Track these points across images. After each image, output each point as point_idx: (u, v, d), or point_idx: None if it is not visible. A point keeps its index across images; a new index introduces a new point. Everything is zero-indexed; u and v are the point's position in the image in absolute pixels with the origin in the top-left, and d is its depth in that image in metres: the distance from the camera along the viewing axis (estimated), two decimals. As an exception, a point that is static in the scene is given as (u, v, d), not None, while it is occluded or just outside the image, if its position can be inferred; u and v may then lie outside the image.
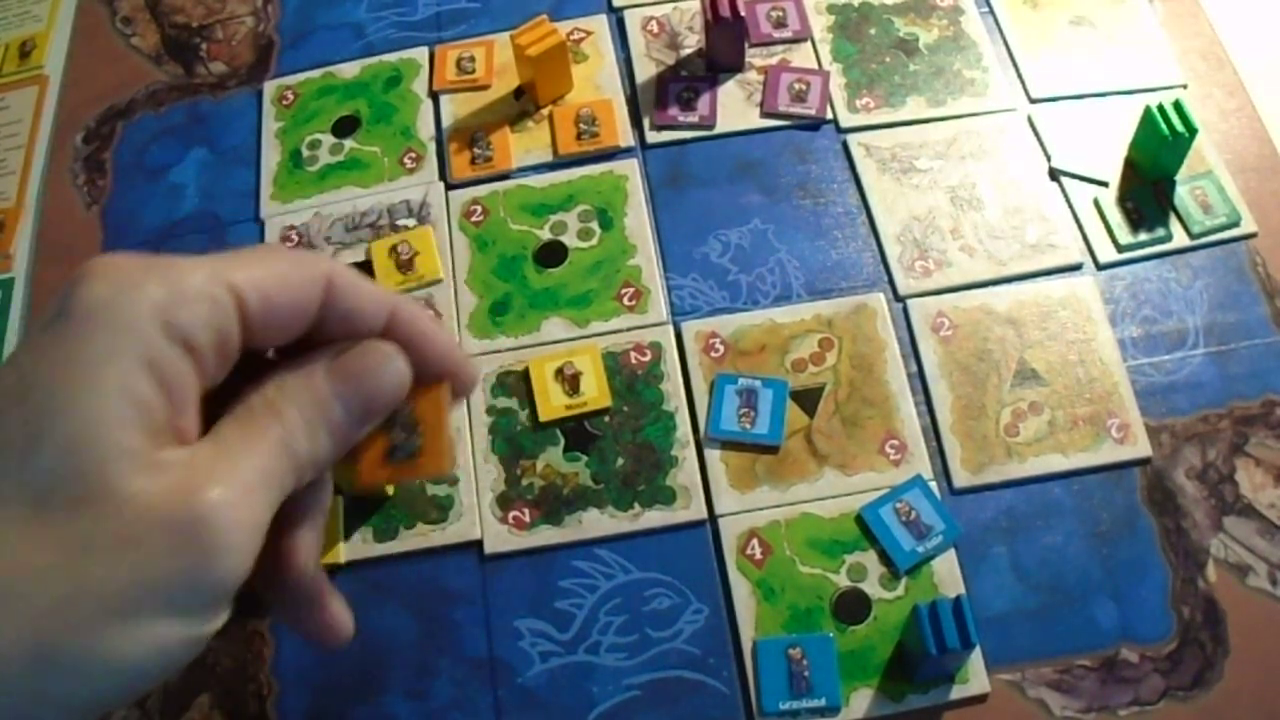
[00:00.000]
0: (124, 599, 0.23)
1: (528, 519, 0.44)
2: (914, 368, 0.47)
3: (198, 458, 0.24)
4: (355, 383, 0.27)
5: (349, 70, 0.57)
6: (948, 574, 0.43)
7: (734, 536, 0.43)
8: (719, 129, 0.53)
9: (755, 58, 0.56)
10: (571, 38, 0.56)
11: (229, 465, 0.25)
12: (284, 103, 0.56)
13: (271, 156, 0.54)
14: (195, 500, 0.24)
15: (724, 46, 0.54)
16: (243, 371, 0.26)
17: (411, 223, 0.52)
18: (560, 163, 0.53)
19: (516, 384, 0.47)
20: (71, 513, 0.23)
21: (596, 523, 0.44)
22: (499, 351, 0.48)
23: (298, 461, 0.26)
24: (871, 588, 0.42)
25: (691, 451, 0.45)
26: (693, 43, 0.56)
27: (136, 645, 0.24)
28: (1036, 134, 0.53)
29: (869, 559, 0.43)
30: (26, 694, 0.22)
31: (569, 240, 0.51)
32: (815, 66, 0.55)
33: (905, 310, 0.48)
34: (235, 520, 0.24)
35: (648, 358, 0.47)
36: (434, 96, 0.56)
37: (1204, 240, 0.50)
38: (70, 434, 0.23)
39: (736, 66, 0.55)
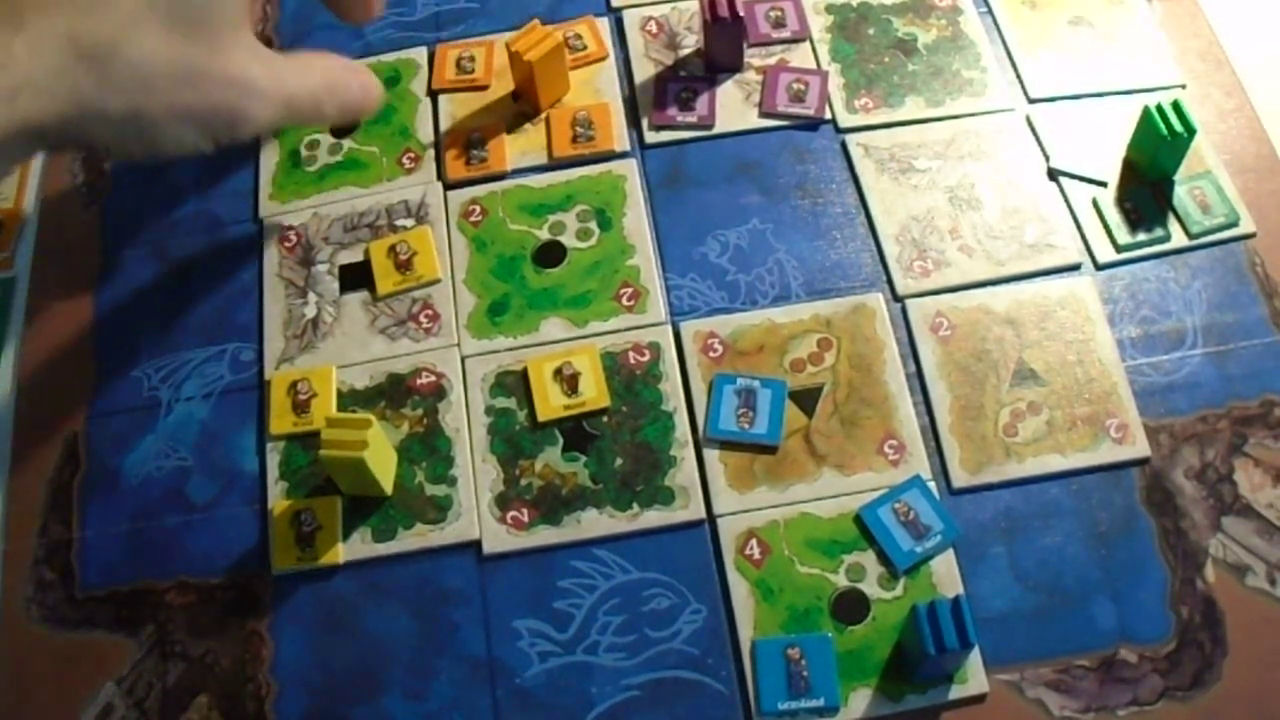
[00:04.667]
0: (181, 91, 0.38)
1: (526, 519, 0.44)
2: (912, 368, 0.47)
3: (277, 63, 0.42)
4: (366, 86, 0.46)
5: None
6: (946, 574, 0.43)
7: (732, 536, 0.44)
8: (718, 129, 0.53)
9: (754, 58, 0.56)
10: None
11: (286, 73, 0.42)
12: (283, 103, 0.56)
13: (270, 156, 0.54)
14: (280, 87, 0.41)
15: (722, 47, 0.54)
16: None
17: (410, 223, 0.52)
18: (555, 166, 0.53)
19: (515, 384, 0.47)
20: (188, 36, 0.38)
21: (595, 523, 0.44)
22: (497, 351, 0.48)
23: (313, 103, 0.43)
24: (870, 588, 0.42)
25: (690, 452, 0.45)
26: (691, 43, 0.56)
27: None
28: (1035, 134, 0.53)
29: (868, 559, 0.43)
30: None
31: (567, 240, 0.51)
32: (814, 67, 0.55)
33: (904, 310, 0.48)
34: (276, 118, 0.42)
35: (646, 358, 0.47)
36: (433, 96, 0.56)
37: (1203, 240, 0.50)
38: None
39: (735, 67, 0.55)
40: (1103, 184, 0.51)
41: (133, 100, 0.37)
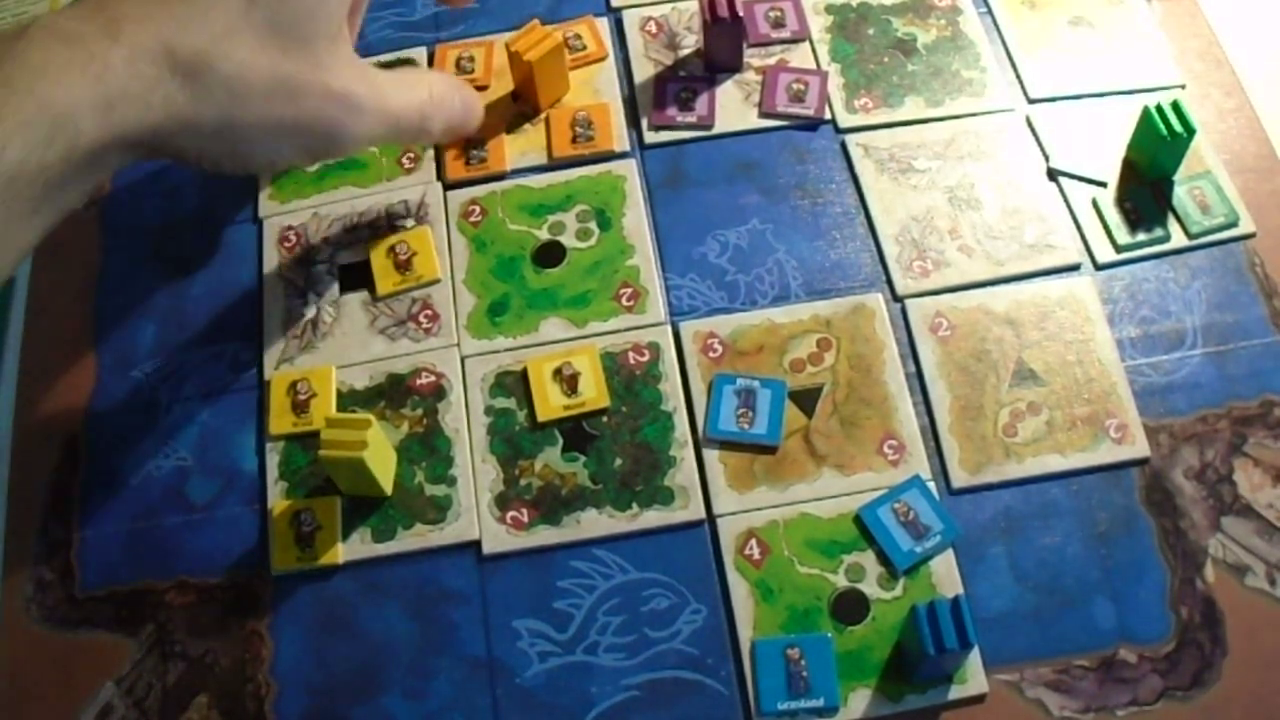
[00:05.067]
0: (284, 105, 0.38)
1: (526, 519, 0.44)
2: (912, 368, 0.47)
3: (380, 78, 0.42)
4: (469, 103, 0.46)
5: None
6: (946, 574, 0.43)
7: (732, 537, 0.44)
8: (717, 129, 0.53)
9: (753, 58, 0.56)
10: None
11: (388, 90, 0.42)
12: (282, 103, 0.56)
13: (270, 157, 0.54)
14: (382, 103, 0.41)
15: (722, 47, 0.54)
16: None
17: (410, 223, 0.52)
18: (555, 166, 0.53)
19: (515, 384, 0.47)
20: (285, 49, 0.37)
21: (595, 523, 0.44)
22: (497, 352, 0.48)
23: (419, 120, 0.43)
24: (870, 588, 0.42)
25: (690, 452, 0.45)
26: (691, 43, 0.56)
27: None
28: (1035, 134, 0.53)
29: (867, 559, 0.43)
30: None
31: (567, 240, 0.51)
32: (814, 67, 0.55)
33: (903, 310, 0.48)
34: (378, 135, 0.42)
35: (646, 358, 0.47)
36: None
37: (1202, 240, 0.50)
38: (311, 2, 0.38)
39: (735, 67, 0.55)
40: (1102, 184, 0.51)
41: (226, 113, 0.37)
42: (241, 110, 0.37)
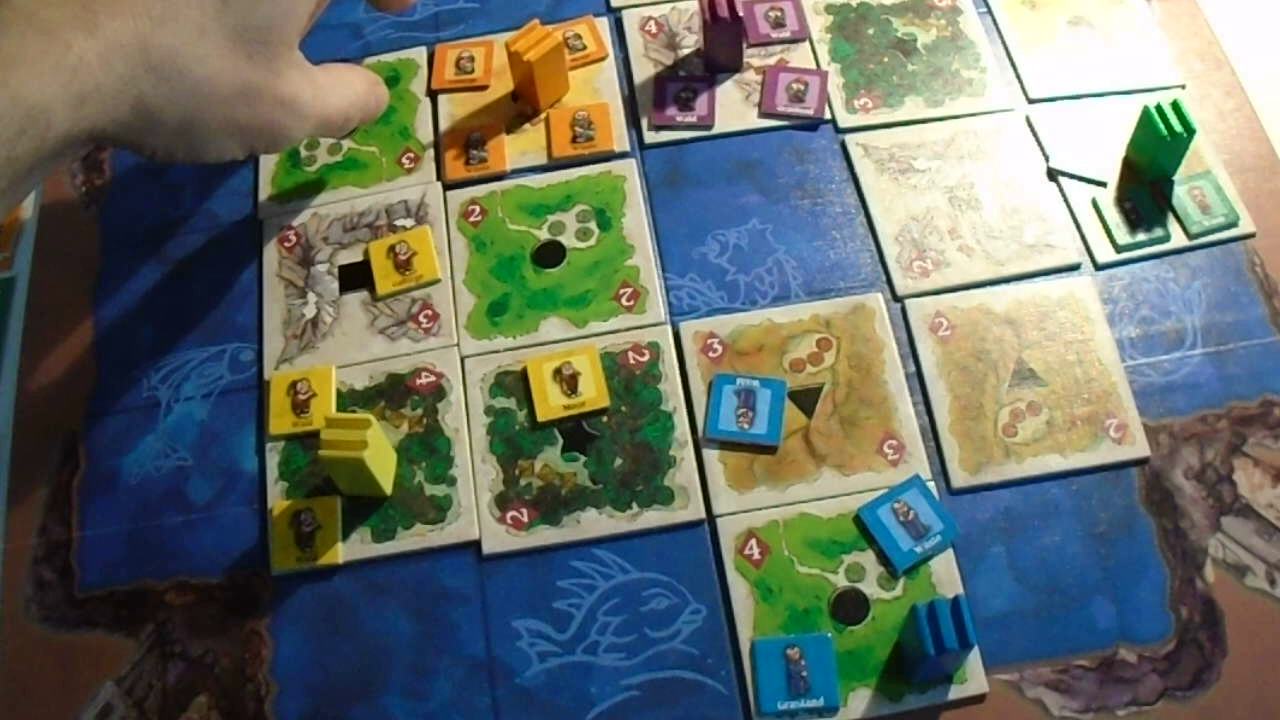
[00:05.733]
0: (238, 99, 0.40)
1: (526, 519, 0.44)
2: (912, 368, 0.47)
3: (319, 81, 0.44)
4: (380, 100, 0.49)
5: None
6: (946, 574, 0.43)
7: (732, 537, 0.44)
8: (717, 129, 0.53)
9: (753, 58, 0.56)
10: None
11: (327, 93, 0.44)
12: (282, 103, 0.56)
13: (269, 157, 0.54)
14: (321, 107, 0.43)
15: (722, 47, 0.54)
16: None
17: (409, 223, 0.52)
18: (555, 166, 0.53)
19: (514, 384, 0.47)
20: (250, 55, 0.39)
21: (594, 523, 0.44)
22: (497, 352, 0.48)
23: (344, 120, 0.46)
24: (870, 588, 0.42)
25: (690, 452, 0.45)
26: (691, 43, 0.56)
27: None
28: (1035, 134, 0.53)
29: (867, 559, 0.43)
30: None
31: (567, 240, 0.51)
32: (813, 67, 0.55)
33: (903, 310, 0.48)
34: (312, 135, 0.45)
35: (646, 358, 0.47)
36: (432, 96, 0.56)
37: (1202, 240, 0.50)
38: (280, 10, 0.40)
39: (735, 67, 0.55)
40: (1102, 184, 0.51)
41: (190, 112, 0.38)
42: (204, 112, 0.39)
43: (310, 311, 0.50)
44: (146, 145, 0.39)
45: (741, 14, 0.52)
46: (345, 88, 0.46)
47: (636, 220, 0.51)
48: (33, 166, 0.35)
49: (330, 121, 0.45)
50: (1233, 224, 0.50)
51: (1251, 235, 0.50)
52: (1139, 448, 0.45)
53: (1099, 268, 0.49)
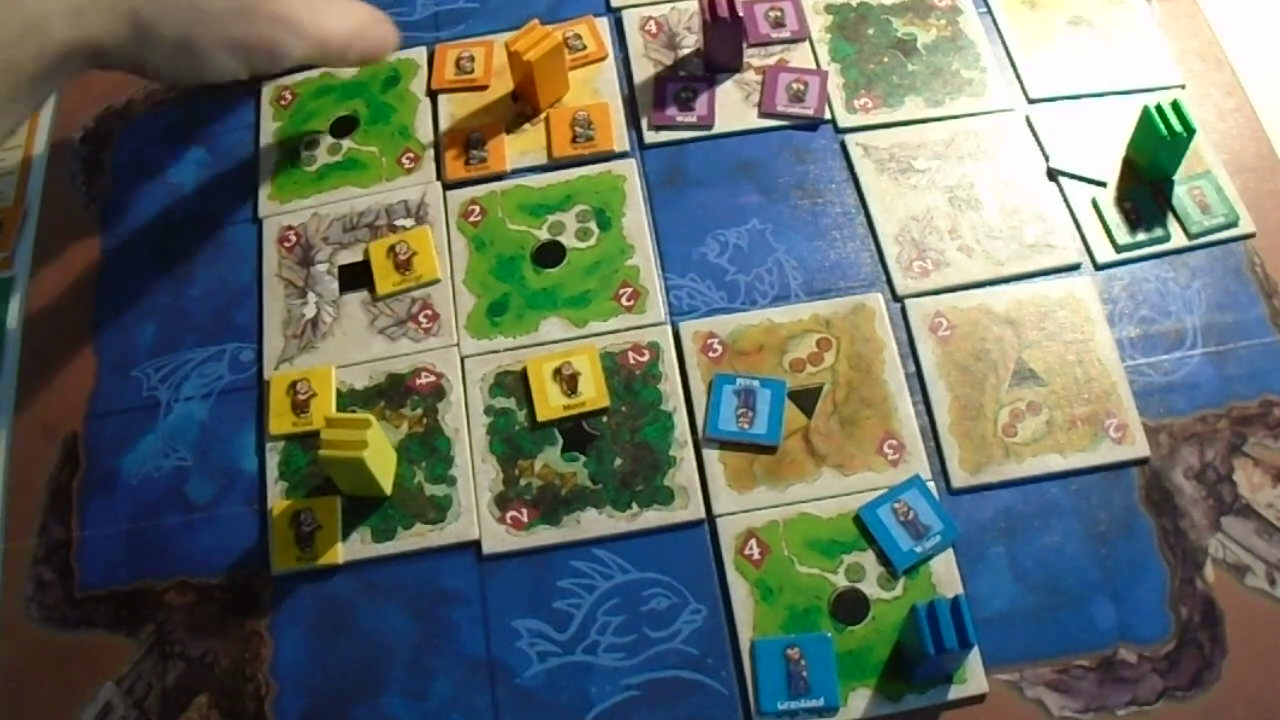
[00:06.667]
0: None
1: (526, 519, 0.44)
2: (912, 368, 0.47)
3: (317, 4, 0.46)
4: (387, 37, 0.51)
5: (347, 70, 0.57)
6: (946, 574, 0.43)
7: (732, 537, 0.44)
8: (717, 129, 0.53)
9: (753, 58, 0.56)
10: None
11: (324, 14, 0.47)
12: (282, 103, 0.56)
13: (269, 157, 0.54)
14: (319, 28, 0.46)
15: (722, 46, 0.54)
16: None
17: (409, 223, 0.52)
18: (555, 166, 0.53)
19: (514, 384, 0.47)
20: None
21: (594, 523, 0.44)
22: (497, 352, 0.48)
23: (343, 47, 0.48)
24: (869, 588, 0.42)
25: (690, 452, 0.45)
26: (691, 43, 0.56)
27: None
28: (1035, 134, 0.53)
29: (867, 559, 0.43)
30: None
31: (567, 240, 0.51)
32: (813, 67, 0.55)
33: (903, 310, 0.48)
34: (310, 56, 0.47)
35: (646, 358, 0.47)
36: (432, 96, 0.56)
37: (1202, 240, 0.50)
38: None
39: (735, 66, 0.55)
40: (1102, 184, 0.51)
41: (186, 28, 0.41)
42: (201, 28, 0.42)
43: (310, 311, 0.50)
44: (149, 63, 0.41)
45: (741, 14, 0.52)
46: (345, 12, 0.48)
47: (636, 220, 0.51)
48: (35, 75, 0.38)
49: (329, 44, 0.47)
50: (1233, 224, 0.50)
51: (1251, 235, 0.50)
52: (1139, 448, 0.45)
53: (1099, 268, 0.49)
